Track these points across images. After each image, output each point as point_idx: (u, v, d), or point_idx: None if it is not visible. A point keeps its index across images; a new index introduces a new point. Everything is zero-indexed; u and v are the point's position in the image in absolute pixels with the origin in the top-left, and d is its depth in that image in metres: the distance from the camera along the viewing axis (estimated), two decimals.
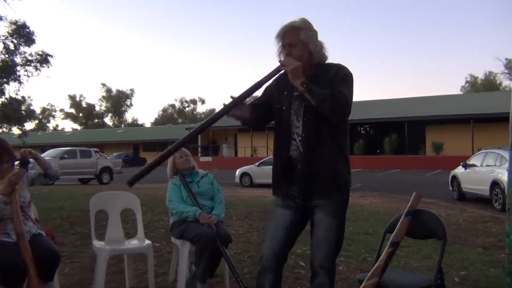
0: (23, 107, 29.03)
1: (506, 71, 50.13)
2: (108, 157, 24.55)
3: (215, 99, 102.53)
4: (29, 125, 44.45)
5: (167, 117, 75.22)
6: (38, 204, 4.00)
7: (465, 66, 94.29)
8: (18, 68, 27.00)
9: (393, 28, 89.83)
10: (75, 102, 72.42)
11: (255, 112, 2.39)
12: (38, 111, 58.89)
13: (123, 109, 73.76)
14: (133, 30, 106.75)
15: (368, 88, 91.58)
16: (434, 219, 2.54)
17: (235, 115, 2.30)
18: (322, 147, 2.25)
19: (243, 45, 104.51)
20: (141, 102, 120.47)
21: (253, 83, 2.23)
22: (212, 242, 3.26)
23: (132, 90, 73.05)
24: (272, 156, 2.50)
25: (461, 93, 53.95)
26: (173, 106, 76.69)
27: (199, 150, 36.07)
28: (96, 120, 73.39)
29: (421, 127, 28.39)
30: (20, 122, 29.38)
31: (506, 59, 48.68)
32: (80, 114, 73.01)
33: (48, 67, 27.64)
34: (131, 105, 75.13)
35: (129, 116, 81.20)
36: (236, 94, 2.25)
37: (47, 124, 75.85)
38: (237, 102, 2.23)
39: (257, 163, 17.66)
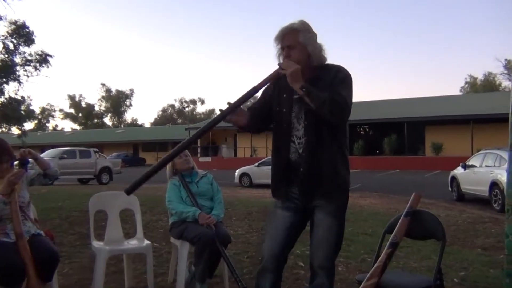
0: (22, 107, 29.01)
1: (505, 71, 50.23)
2: (107, 157, 24.54)
3: (215, 100, 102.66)
4: (29, 125, 44.51)
5: (167, 117, 75.23)
6: (37, 204, 4.00)
7: (465, 66, 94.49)
8: (18, 68, 26.99)
9: (393, 28, 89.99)
10: (74, 102, 72.40)
11: (254, 116, 2.38)
12: (37, 111, 58.88)
13: (123, 109, 73.76)
14: (133, 30, 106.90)
15: (367, 89, 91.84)
16: (433, 219, 2.54)
17: (232, 120, 2.29)
18: (323, 149, 2.25)
19: (243, 45, 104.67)
20: (141, 102, 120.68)
21: (251, 86, 2.23)
22: (211, 243, 3.26)
23: (131, 90, 73.13)
24: (271, 156, 2.49)
25: (461, 93, 53.99)
26: (172, 106, 76.77)
27: (199, 150, 36.08)
28: (95, 120, 73.38)
29: (421, 127, 28.42)
30: (19, 122, 29.37)
31: (506, 59, 48.78)
32: (80, 114, 73.00)
33: (48, 67, 27.67)
34: (131, 105, 75.23)
35: (128, 116, 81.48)
36: (235, 98, 2.25)
37: (47, 124, 75.95)
38: (234, 108, 2.23)
39: (256, 164, 17.68)
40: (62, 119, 79.52)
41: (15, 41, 26.50)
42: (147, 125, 74.44)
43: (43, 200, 7.91)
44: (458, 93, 55.38)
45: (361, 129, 34.41)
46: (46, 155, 18.26)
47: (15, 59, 26.79)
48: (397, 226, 2.48)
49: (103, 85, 73.53)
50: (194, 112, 75.40)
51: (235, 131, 33.68)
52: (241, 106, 2.28)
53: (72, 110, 73.24)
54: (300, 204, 2.33)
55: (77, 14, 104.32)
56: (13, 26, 26.00)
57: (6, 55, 26.47)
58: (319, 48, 2.28)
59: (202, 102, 77.24)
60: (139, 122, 77.79)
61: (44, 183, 3.22)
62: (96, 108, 73.78)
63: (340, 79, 2.25)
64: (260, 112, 2.42)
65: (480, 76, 58.45)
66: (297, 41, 2.25)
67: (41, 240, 2.92)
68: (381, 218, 7.03)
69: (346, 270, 4.16)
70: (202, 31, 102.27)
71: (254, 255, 4.49)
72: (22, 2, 60.50)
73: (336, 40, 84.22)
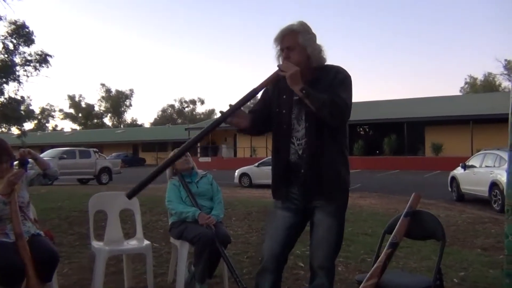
0: (22, 107, 29.02)
1: (505, 72, 50.23)
2: (107, 157, 24.55)
3: (215, 100, 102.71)
4: (28, 125, 44.39)
5: (167, 117, 75.23)
6: (37, 204, 4.00)
7: (465, 67, 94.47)
8: (18, 68, 27.00)
9: (393, 28, 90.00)
10: (74, 102, 72.38)
11: (255, 118, 2.38)
12: (37, 111, 58.72)
13: (123, 109, 73.74)
14: (133, 30, 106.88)
15: (367, 89, 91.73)
16: (433, 220, 2.54)
17: (232, 123, 2.29)
18: (324, 150, 2.25)
19: (243, 45, 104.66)
20: (141, 102, 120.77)
21: (251, 88, 2.22)
22: (211, 243, 3.26)
23: (131, 90, 73.10)
24: (271, 157, 2.49)
25: (461, 94, 54.01)
26: (172, 106, 76.75)
27: (198, 150, 36.07)
28: (95, 120, 73.36)
29: (421, 128, 28.42)
30: (19, 122, 29.38)
31: (506, 60, 48.79)
32: (80, 114, 72.97)
33: (48, 67, 27.70)
34: (131, 105, 75.18)
35: (128, 116, 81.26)
36: (235, 99, 2.24)
37: (46, 124, 75.86)
38: (235, 110, 2.23)
39: (256, 164, 17.67)
40: (61, 119, 79.59)
41: (15, 41, 26.52)
42: (147, 125, 74.52)
43: (43, 200, 7.91)
44: (458, 93, 55.44)
45: (361, 129, 34.42)
46: (45, 155, 18.26)
47: (15, 59, 26.81)
48: (397, 226, 2.48)
49: (103, 85, 73.55)
50: (194, 112, 75.39)
51: (235, 131, 33.69)
52: (242, 108, 2.28)
53: (71, 110, 73.25)
54: (300, 204, 2.33)
55: (77, 14, 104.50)
56: (13, 26, 26.03)
57: (6, 55, 26.48)
58: (318, 49, 2.28)
59: (202, 102, 77.31)
60: (139, 122, 77.88)
61: (44, 183, 3.22)
62: (96, 108, 73.84)
63: (339, 80, 2.25)
64: (261, 114, 2.42)
65: (480, 76, 58.56)
66: (296, 43, 2.24)
67: (41, 240, 2.92)
68: (380, 218, 7.03)
69: (345, 270, 4.16)
70: (202, 31, 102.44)
71: (254, 255, 4.49)
72: (22, 2, 60.52)
73: (336, 40, 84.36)
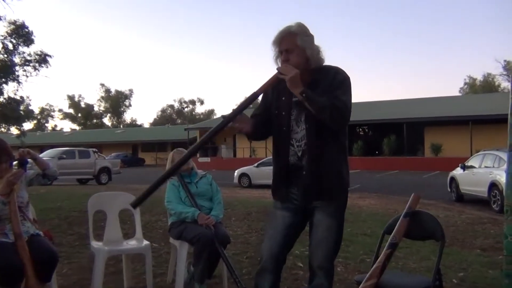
0: (21, 107, 28.98)
1: (504, 72, 50.19)
2: (106, 158, 24.54)
3: (215, 100, 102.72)
4: (28, 125, 44.29)
5: (166, 117, 75.20)
6: (36, 205, 4.00)
7: (464, 67, 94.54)
8: (17, 68, 26.96)
9: (392, 28, 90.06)
10: (73, 102, 72.33)
11: (257, 122, 2.38)
12: (36, 111, 58.50)
13: (122, 109, 73.67)
14: (133, 30, 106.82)
15: (367, 89, 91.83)
16: (432, 220, 2.55)
17: (235, 127, 2.28)
18: (324, 151, 2.25)
19: (243, 45, 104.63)
20: (140, 102, 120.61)
21: (251, 92, 2.21)
22: (210, 243, 3.26)
23: (131, 90, 72.96)
24: (271, 157, 2.49)
25: (460, 94, 54.03)
26: (172, 106, 76.74)
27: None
28: (94, 121, 73.32)
29: (420, 128, 28.42)
30: (18, 122, 29.35)
31: (505, 60, 48.83)
32: (79, 114, 72.91)
33: (47, 67, 27.64)
34: (130, 105, 75.14)
35: (128, 116, 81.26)
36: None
37: (46, 124, 75.73)
38: (236, 114, 2.22)
39: (255, 164, 17.66)
40: (61, 119, 79.39)
41: (14, 41, 26.48)
42: (146, 125, 74.51)
43: (42, 200, 7.91)
44: (457, 94, 55.45)
45: (360, 129, 34.41)
46: (45, 155, 18.25)
47: (14, 59, 26.77)
48: (396, 226, 2.48)
49: (102, 85, 73.47)
50: (194, 113, 75.36)
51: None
52: (243, 113, 2.27)
53: (71, 110, 73.17)
54: (299, 204, 2.33)
55: (77, 14, 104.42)
56: (12, 26, 25.98)
57: (5, 55, 26.45)
58: (316, 51, 2.28)
59: (202, 102, 77.13)
60: (139, 122, 77.87)
61: (43, 183, 3.22)
62: (96, 108, 73.79)
63: (339, 81, 2.24)
64: (262, 118, 2.42)
65: (479, 77, 58.60)
66: (295, 45, 2.23)
67: (40, 240, 2.91)
68: (380, 219, 7.04)
69: (345, 270, 4.16)
70: (202, 31, 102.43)
71: (253, 256, 4.49)
72: (21, 2, 60.49)
73: (336, 40, 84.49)
